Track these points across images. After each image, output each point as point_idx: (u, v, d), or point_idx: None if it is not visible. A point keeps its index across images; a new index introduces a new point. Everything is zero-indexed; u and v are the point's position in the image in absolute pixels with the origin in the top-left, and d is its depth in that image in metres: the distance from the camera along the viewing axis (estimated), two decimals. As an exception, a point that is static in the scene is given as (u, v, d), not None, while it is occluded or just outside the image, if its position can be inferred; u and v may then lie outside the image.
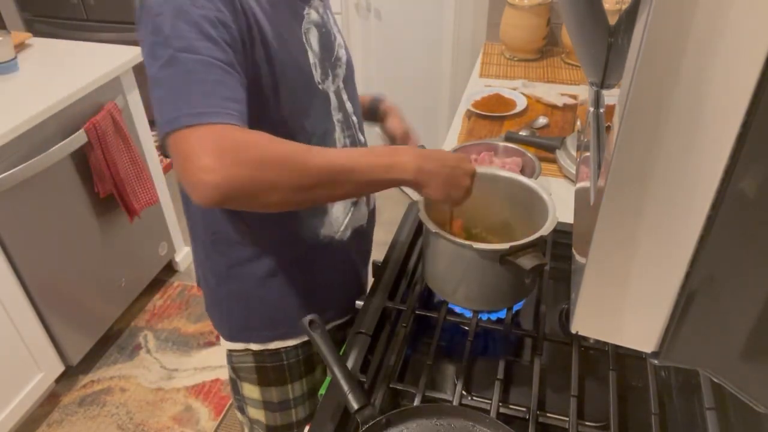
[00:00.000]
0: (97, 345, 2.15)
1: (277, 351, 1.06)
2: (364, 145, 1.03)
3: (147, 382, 2.11)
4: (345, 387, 0.81)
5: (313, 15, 0.89)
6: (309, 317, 0.91)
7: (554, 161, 1.43)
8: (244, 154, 0.69)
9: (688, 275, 0.41)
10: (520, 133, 1.52)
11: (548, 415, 0.85)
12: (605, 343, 0.94)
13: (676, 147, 0.37)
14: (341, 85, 0.95)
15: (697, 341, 0.45)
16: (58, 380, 2.02)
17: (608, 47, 0.60)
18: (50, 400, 2.03)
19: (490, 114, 1.66)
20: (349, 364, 0.93)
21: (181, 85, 0.71)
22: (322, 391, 0.92)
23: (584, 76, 1.01)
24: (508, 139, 1.46)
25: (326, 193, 0.78)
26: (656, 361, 0.47)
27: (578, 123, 1.47)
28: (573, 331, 0.50)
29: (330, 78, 0.92)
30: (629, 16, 0.46)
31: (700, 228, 0.39)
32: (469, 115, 1.69)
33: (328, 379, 0.90)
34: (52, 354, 1.93)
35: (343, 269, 1.08)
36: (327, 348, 0.86)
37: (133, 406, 2.03)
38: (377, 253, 1.19)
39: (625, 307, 0.46)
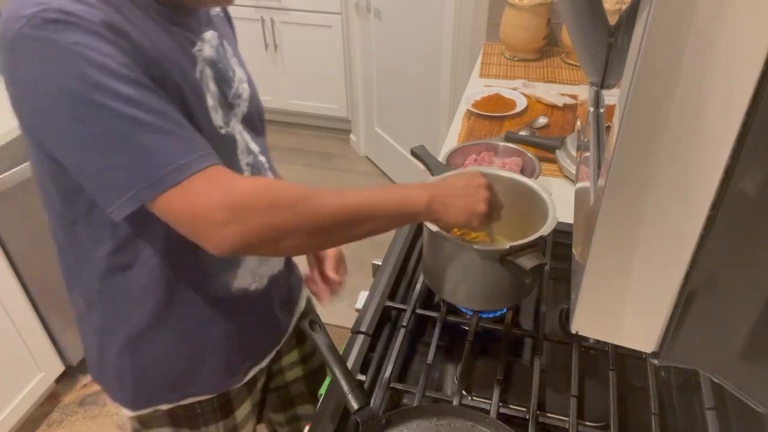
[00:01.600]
0: (97, 345, 2.15)
1: (190, 405, 0.96)
2: None
3: (147, 382, 2.11)
4: (345, 387, 0.81)
5: (206, 51, 0.80)
6: (309, 318, 0.91)
7: (554, 161, 1.43)
8: (256, 200, 0.67)
9: (688, 275, 0.41)
10: (520, 133, 1.52)
11: (548, 415, 0.85)
12: (605, 343, 0.94)
13: (676, 147, 0.37)
14: (240, 125, 0.86)
15: (697, 341, 0.45)
16: (58, 380, 2.02)
17: (608, 47, 0.60)
18: (50, 400, 2.02)
19: (490, 114, 1.66)
20: (349, 364, 0.93)
21: (143, 141, 0.64)
22: (322, 391, 0.92)
23: (584, 76, 1.01)
24: (508, 139, 1.46)
25: (344, 234, 0.75)
26: (656, 361, 0.47)
27: (578, 123, 1.47)
28: (573, 331, 0.50)
29: (232, 119, 0.84)
30: (629, 16, 0.46)
31: (700, 228, 0.39)
32: (469, 115, 1.69)
33: (328, 379, 0.90)
34: (52, 354, 1.93)
35: (261, 317, 0.98)
36: (327, 348, 0.86)
37: (133, 406, 2.03)
38: (377, 253, 1.19)
39: (625, 307, 0.46)
